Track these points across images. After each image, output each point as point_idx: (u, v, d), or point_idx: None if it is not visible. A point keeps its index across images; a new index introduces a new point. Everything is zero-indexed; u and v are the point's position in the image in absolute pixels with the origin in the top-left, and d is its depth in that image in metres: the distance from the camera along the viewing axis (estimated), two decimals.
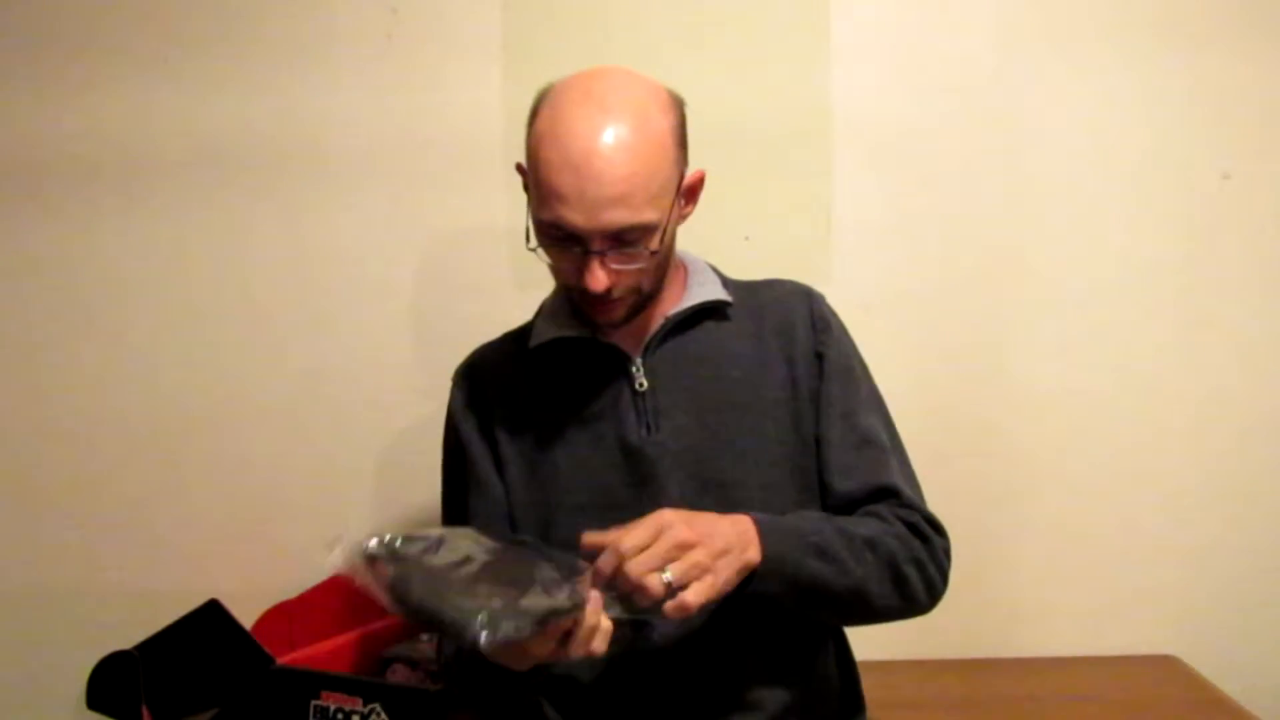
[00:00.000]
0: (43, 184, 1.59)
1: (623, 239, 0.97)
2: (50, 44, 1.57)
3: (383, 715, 1.25)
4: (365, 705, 1.25)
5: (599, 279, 0.98)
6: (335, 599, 1.55)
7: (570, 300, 1.10)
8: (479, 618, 0.78)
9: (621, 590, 0.88)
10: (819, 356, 1.11)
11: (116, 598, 1.61)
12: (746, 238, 1.56)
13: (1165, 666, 1.57)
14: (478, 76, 1.55)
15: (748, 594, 0.95)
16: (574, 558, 0.91)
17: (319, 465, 1.62)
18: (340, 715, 1.26)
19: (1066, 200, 1.57)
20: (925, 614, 1.07)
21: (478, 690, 1.05)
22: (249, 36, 1.56)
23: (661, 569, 0.87)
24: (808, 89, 1.55)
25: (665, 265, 1.07)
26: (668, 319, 1.10)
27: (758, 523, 0.96)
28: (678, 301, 1.11)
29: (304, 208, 1.59)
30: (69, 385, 1.62)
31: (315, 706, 1.27)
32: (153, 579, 1.62)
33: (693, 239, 1.17)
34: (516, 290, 1.55)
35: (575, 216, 0.95)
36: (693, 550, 0.89)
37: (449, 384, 1.18)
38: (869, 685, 1.17)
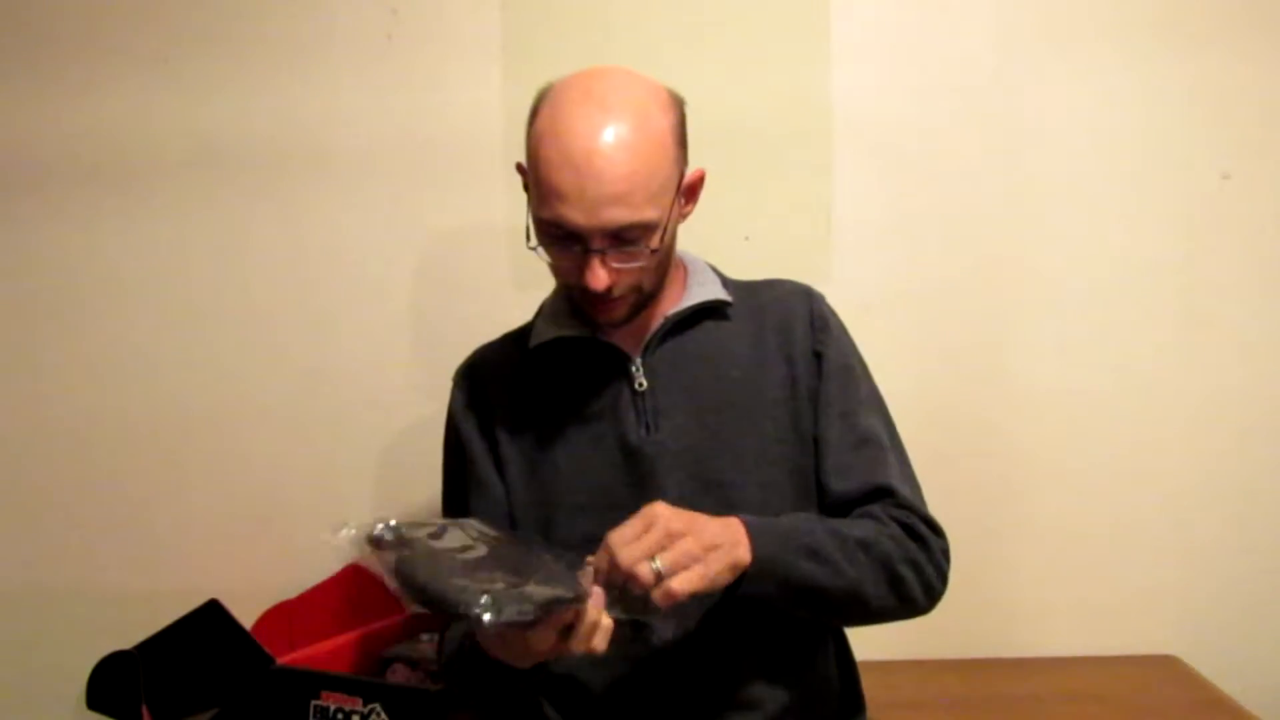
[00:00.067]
0: (43, 184, 1.59)
1: (623, 237, 0.97)
2: (50, 44, 1.57)
3: (383, 715, 1.25)
4: (365, 705, 1.25)
5: (599, 278, 0.98)
6: (335, 599, 1.55)
7: (570, 300, 1.10)
8: (484, 598, 0.78)
9: (617, 583, 0.88)
10: (818, 356, 1.11)
11: (116, 598, 1.61)
12: (746, 238, 1.56)
13: (1165, 666, 1.57)
14: (478, 76, 1.55)
15: (739, 595, 0.95)
16: (575, 554, 0.91)
17: (319, 465, 1.62)
18: (340, 715, 1.26)
19: (1066, 200, 1.57)
20: (924, 614, 1.06)
21: (478, 688, 1.05)
22: (249, 36, 1.56)
23: (651, 558, 0.87)
24: (808, 89, 1.55)
25: (666, 264, 1.07)
26: (667, 319, 1.10)
27: (748, 524, 0.96)
28: (678, 301, 1.11)
29: (304, 208, 1.59)
30: (69, 385, 1.62)
31: (315, 706, 1.27)
32: (153, 579, 1.62)
33: (693, 239, 1.17)
34: (516, 290, 1.55)
35: (575, 215, 0.95)
36: (683, 540, 0.89)
37: (449, 384, 1.18)
38: (869, 685, 1.17)
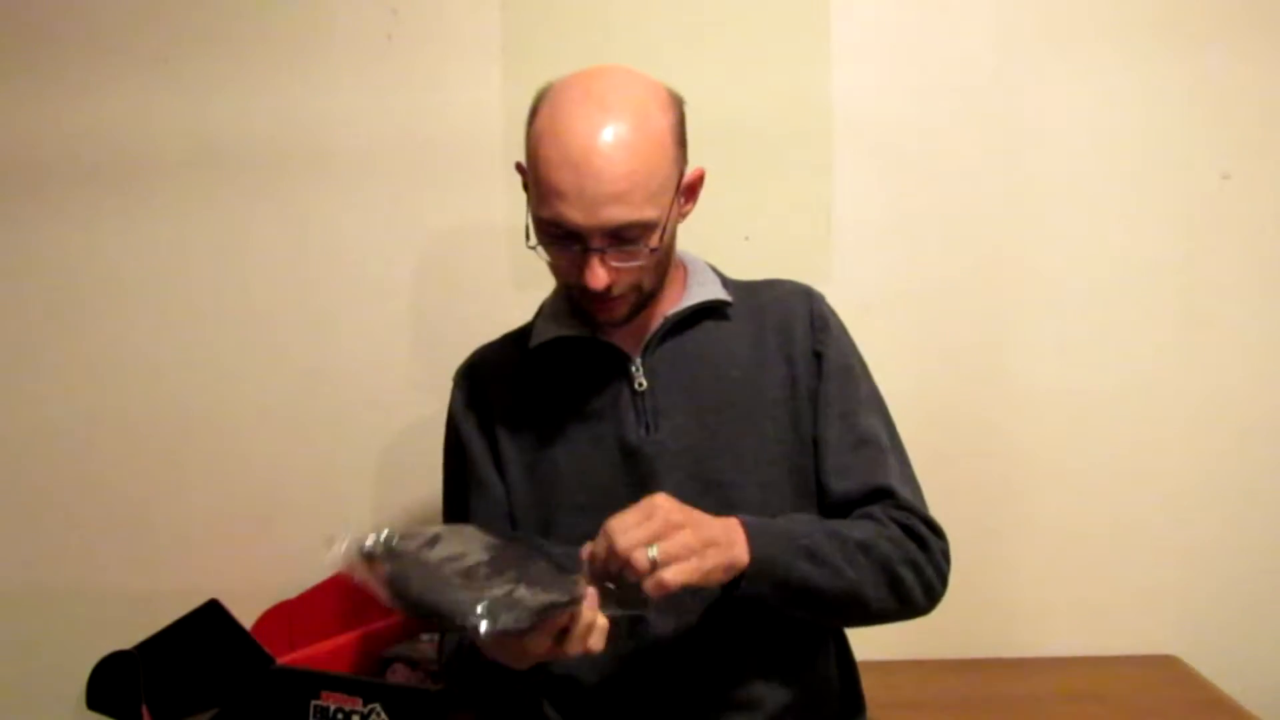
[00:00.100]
0: (43, 184, 1.59)
1: (622, 236, 0.97)
2: (50, 44, 1.57)
3: (383, 715, 1.25)
4: (365, 705, 1.25)
5: (599, 277, 0.98)
6: (335, 599, 1.55)
7: (570, 300, 1.10)
8: (478, 608, 0.79)
9: (613, 570, 0.89)
10: (818, 356, 1.11)
11: (116, 598, 1.61)
12: (746, 238, 1.56)
13: (1165, 666, 1.57)
14: (478, 76, 1.55)
15: (737, 596, 0.95)
16: (572, 552, 0.92)
17: (319, 465, 1.62)
18: (340, 715, 1.26)
19: (1066, 200, 1.57)
20: (924, 616, 1.06)
21: (478, 689, 1.05)
22: (249, 36, 1.56)
23: (649, 545, 0.87)
24: (808, 89, 1.55)
25: (666, 263, 1.07)
26: (667, 319, 1.10)
27: (747, 525, 0.96)
28: (677, 301, 1.11)
29: (304, 208, 1.59)
30: (69, 385, 1.62)
31: (315, 706, 1.27)
32: (153, 579, 1.62)
33: (693, 239, 1.17)
34: (516, 290, 1.55)
35: (574, 214, 0.95)
36: (681, 531, 0.89)
37: (449, 384, 1.18)
38: (869, 685, 1.17)
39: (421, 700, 1.25)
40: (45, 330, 1.61)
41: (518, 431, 1.11)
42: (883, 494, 1.06)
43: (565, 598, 0.84)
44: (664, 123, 0.99)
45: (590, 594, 0.86)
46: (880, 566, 1.01)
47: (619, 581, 0.89)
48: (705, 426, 1.08)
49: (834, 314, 1.16)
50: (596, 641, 0.87)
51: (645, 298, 1.06)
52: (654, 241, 0.99)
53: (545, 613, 0.82)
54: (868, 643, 1.18)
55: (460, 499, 1.13)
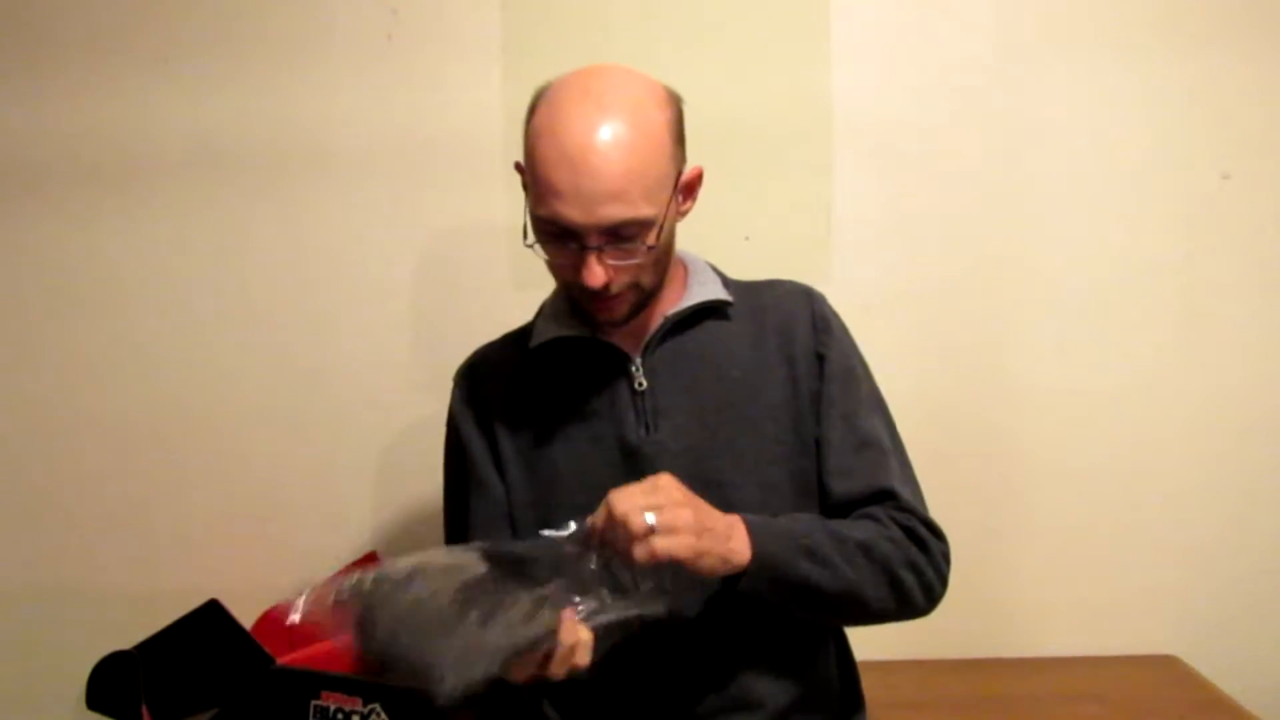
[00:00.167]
0: (43, 184, 1.59)
1: (619, 234, 0.97)
2: (50, 44, 1.57)
3: (383, 715, 1.25)
4: (365, 705, 1.25)
5: (596, 275, 0.98)
6: None
7: (570, 300, 1.10)
8: (443, 670, 0.79)
9: (610, 541, 0.89)
10: (820, 358, 1.11)
11: (116, 598, 1.61)
12: (746, 237, 1.56)
13: (1165, 666, 1.57)
14: (478, 76, 1.55)
15: (739, 592, 0.95)
16: (568, 530, 0.93)
17: (319, 465, 1.62)
18: (340, 715, 1.26)
19: (1066, 200, 1.57)
20: (924, 616, 1.07)
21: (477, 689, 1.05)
22: (249, 36, 1.56)
23: (649, 511, 0.89)
24: (808, 89, 1.55)
25: (665, 262, 1.07)
26: (667, 318, 1.10)
27: (749, 523, 0.97)
28: (678, 301, 1.11)
29: (304, 208, 1.59)
30: (69, 385, 1.62)
31: (315, 706, 1.27)
32: (153, 579, 1.62)
33: (693, 239, 1.17)
34: (516, 290, 1.55)
35: (572, 212, 0.95)
36: (682, 508, 0.90)
37: (449, 384, 1.18)
38: (869, 685, 1.17)
39: (421, 700, 1.25)
40: (45, 330, 1.61)
41: (518, 431, 1.11)
42: (884, 495, 1.07)
43: (539, 632, 0.83)
44: (661, 121, 0.99)
45: (568, 615, 0.86)
46: (880, 567, 1.01)
47: (613, 558, 0.90)
48: (705, 426, 1.08)
49: (835, 315, 1.16)
50: (582, 658, 0.87)
51: (645, 297, 1.06)
52: (651, 239, 0.99)
53: (516, 655, 0.82)
54: (868, 643, 1.18)
55: (460, 499, 1.13)
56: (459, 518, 1.13)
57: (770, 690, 1.06)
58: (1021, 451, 1.60)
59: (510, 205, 1.38)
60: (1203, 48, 1.54)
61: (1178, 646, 1.60)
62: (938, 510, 1.09)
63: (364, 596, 0.84)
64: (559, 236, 0.99)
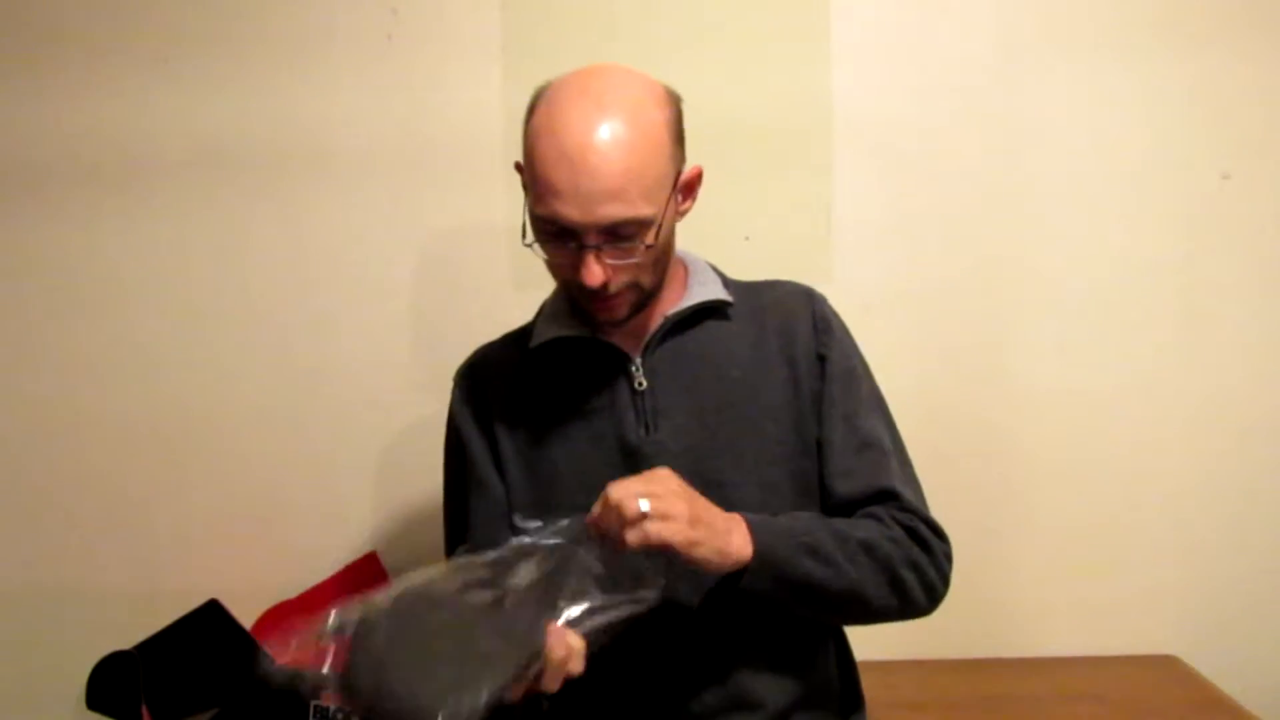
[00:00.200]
0: (43, 184, 1.59)
1: (618, 233, 0.97)
2: (50, 44, 1.57)
3: None
4: None
5: (594, 274, 0.98)
6: (335, 599, 1.55)
7: (570, 300, 1.10)
8: (435, 702, 0.78)
9: (604, 529, 0.90)
10: (821, 359, 1.11)
11: (116, 598, 1.61)
12: (746, 237, 1.56)
13: (1165, 666, 1.57)
14: (478, 76, 1.55)
15: (740, 589, 0.96)
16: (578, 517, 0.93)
17: (319, 465, 1.62)
18: (340, 715, 1.26)
19: (1066, 200, 1.57)
20: (925, 616, 1.07)
21: None
22: (249, 36, 1.56)
23: (644, 499, 0.90)
24: (808, 89, 1.55)
25: (664, 261, 1.07)
26: (667, 318, 1.10)
27: (750, 521, 0.97)
28: (678, 301, 1.11)
29: (304, 208, 1.59)
30: (69, 385, 1.62)
31: (315, 706, 1.27)
32: (153, 579, 1.62)
33: (693, 239, 1.17)
34: (516, 290, 1.55)
35: (570, 211, 0.95)
36: (678, 499, 0.91)
37: (449, 383, 1.18)
38: (869, 685, 1.17)
39: None
40: (45, 330, 1.61)
41: (517, 431, 1.11)
42: (886, 496, 1.07)
43: (526, 655, 0.83)
44: (660, 120, 0.99)
45: (556, 629, 0.86)
46: (882, 566, 1.01)
47: (607, 549, 0.90)
48: (705, 426, 1.08)
49: (836, 315, 1.16)
50: (576, 666, 0.87)
51: (645, 297, 1.06)
52: (650, 239, 0.99)
53: (507, 683, 0.82)
54: (868, 643, 1.18)
55: (460, 499, 1.13)
56: (459, 518, 1.13)
57: (770, 690, 1.06)
58: (1021, 451, 1.60)
59: (510, 205, 1.38)
60: (1203, 48, 1.54)
61: (1178, 646, 1.60)
62: (938, 510, 1.09)
63: (341, 634, 0.84)
64: (558, 236, 0.99)
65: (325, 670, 0.84)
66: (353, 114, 1.57)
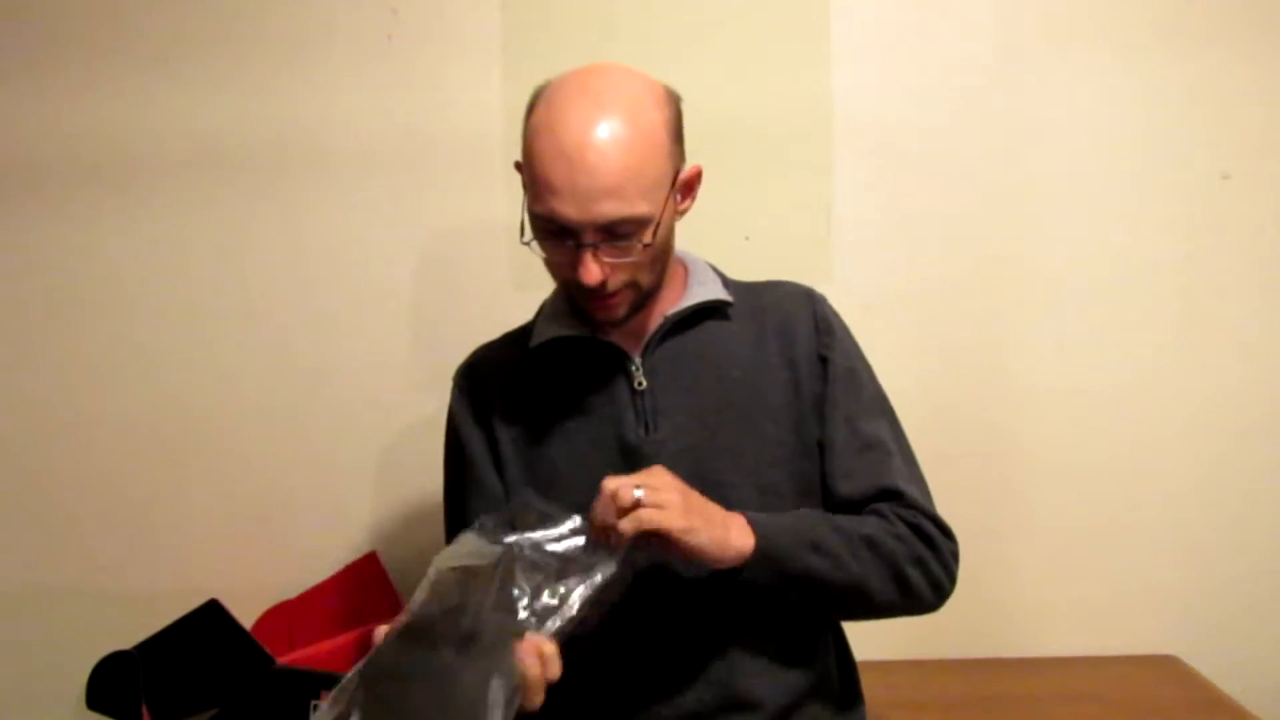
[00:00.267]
0: (43, 184, 1.59)
1: (615, 232, 0.97)
2: (50, 44, 1.57)
3: None
4: None
5: (592, 272, 0.98)
6: (335, 599, 1.55)
7: (570, 300, 1.10)
8: None
9: (598, 520, 0.91)
10: (822, 360, 1.11)
11: (116, 598, 1.61)
12: (746, 237, 1.56)
13: (1165, 666, 1.57)
14: (478, 76, 1.55)
15: (741, 582, 0.96)
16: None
17: (319, 465, 1.62)
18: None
19: (1066, 200, 1.57)
20: (932, 612, 1.07)
21: None
22: (249, 36, 1.56)
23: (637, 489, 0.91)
24: (808, 89, 1.55)
25: (663, 260, 1.07)
26: (667, 318, 1.10)
27: (750, 517, 0.98)
28: (677, 301, 1.11)
29: (304, 208, 1.59)
30: (69, 385, 1.62)
31: (315, 706, 1.27)
32: (153, 579, 1.62)
33: (692, 239, 1.17)
34: (516, 290, 1.55)
35: (568, 209, 0.95)
36: (673, 491, 0.93)
37: (449, 383, 1.18)
38: (868, 685, 1.17)
39: None
40: (45, 330, 1.61)
41: (517, 430, 1.11)
42: (890, 495, 1.07)
43: (505, 693, 0.83)
44: (659, 119, 0.99)
45: (524, 645, 0.85)
46: (886, 562, 1.01)
47: (605, 540, 0.91)
48: (705, 426, 1.08)
49: (837, 316, 1.16)
50: (554, 671, 0.86)
51: (643, 296, 1.06)
52: (648, 237, 0.99)
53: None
54: (867, 642, 1.18)
55: (460, 499, 1.13)
56: (458, 518, 1.13)
57: (769, 688, 1.06)
58: (1021, 451, 1.60)
59: (510, 205, 1.38)
60: (1203, 48, 1.54)
61: (1178, 646, 1.60)
62: (938, 510, 1.09)
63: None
64: (556, 234, 0.99)
65: None
66: (353, 114, 1.57)
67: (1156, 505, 1.60)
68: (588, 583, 0.90)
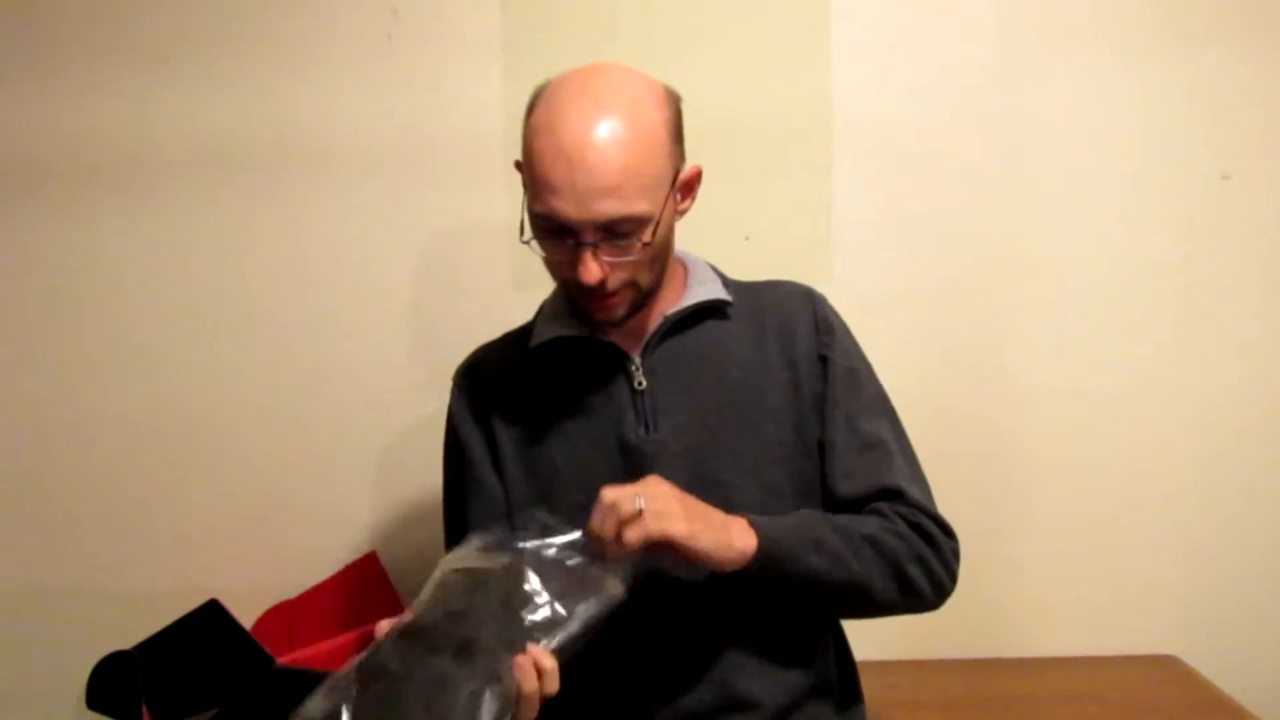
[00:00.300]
0: (43, 184, 1.59)
1: (615, 231, 0.97)
2: (50, 44, 1.57)
3: None
4: None
5: (591, 271, 0.98)
6: (335, 599, 1.55)
7: (570, 300, 1.10)
8: None
9: (597, 532, 0.91)
10: (822, 360, 1.11)
11: (116, 598, 1.61)
12: (746, 238, 1.56)
13: (1165, 666, 1.57)
14: (478, 76, 1.55)
15: (744, 582, 0.96)
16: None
17: (319, 465, 1.62)
18: None
19: (1066, 200, 1.56)
20: (933, 610, 1.07)
21: None
22: (249, 36, 1.56)
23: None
24: (808, 89, 1.55)
25: (662, 260, 1.07)
26: (667, 318, 1.10)
27: (752, 519, 0.98)
28: (677, 300, 1.11)
29: (304, 208, 1.59)
30: (69, 385, 1.62)
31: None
32: (153, 579, 1.62)
33: (693, 239, 1.17)
34: (516, 290, 1.55)
35: (567, 207, 0.96)
36: (672, 499, 0.93)
37: (449, 383, 1.18)
38: (868, 685, 1.17)
39: None
40: (45, 330, 1.61)
41: (517, 431, 1.11)
42: (891, 494, 1.07)
43: (497, 706, 0.83)
44: (659, 118, 0.99)
45: (521, 662, 0.85)
46: (887, 561, 1.01)
47: (607, 552, 0.90)
48: (705, 426, 1.08)
49: (837, 316, 1.16)
50: (551, 686, 0.87)
51: (643, 296, 1.06)
52: (647, 236, 0.99)
53: None
54: (867, 642, 1.18)
55: (459, 500, 1.13)
56: (458, 518, 1.13)
57: (768, 688, 1.06)
58: (1021, 451, 1.60)
59: (510, 205, 1.38)
60: (1203, 48, 1.54)
61: (1178, 646, 1.60)
62: (939, 509, 1.09)
63: None
64: (555, 233, 0.99)
65: None
66: (353, 114, 1.57)
67: (1156, 505, 1.60)
68: (593, 602, 0.89)
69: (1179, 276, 1.57)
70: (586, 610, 0.89)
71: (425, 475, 1.47)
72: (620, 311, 1.05)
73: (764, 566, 0.96)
